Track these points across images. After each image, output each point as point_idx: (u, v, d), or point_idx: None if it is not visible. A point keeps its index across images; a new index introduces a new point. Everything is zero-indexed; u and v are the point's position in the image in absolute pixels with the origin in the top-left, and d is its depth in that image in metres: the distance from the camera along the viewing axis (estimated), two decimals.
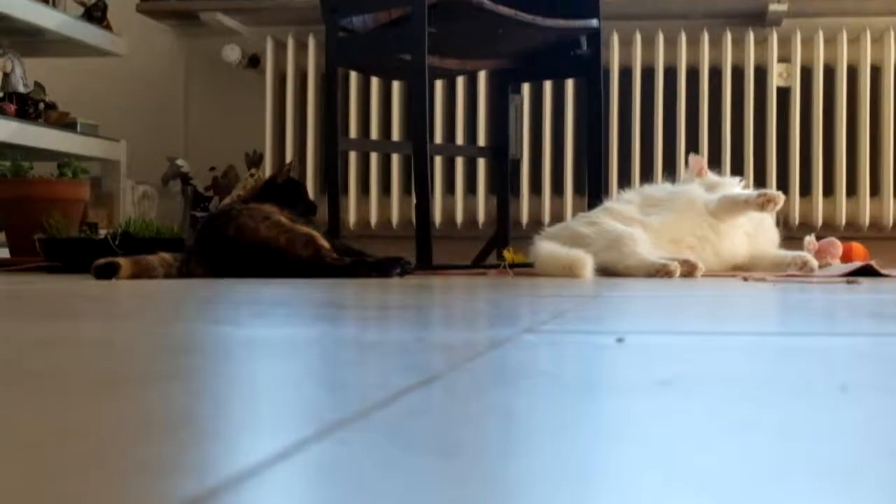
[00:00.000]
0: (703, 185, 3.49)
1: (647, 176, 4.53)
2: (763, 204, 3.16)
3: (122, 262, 2.58)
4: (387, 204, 4.68)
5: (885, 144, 4.49)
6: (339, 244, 3.32)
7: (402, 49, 3.52)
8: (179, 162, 4.72)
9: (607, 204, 3.32)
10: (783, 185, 4.49)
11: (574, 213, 4.45)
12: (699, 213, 3.23)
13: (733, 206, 3.22)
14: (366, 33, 3.76)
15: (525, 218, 4.60)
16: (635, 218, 3.19)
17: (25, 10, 4.07)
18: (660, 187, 3.41)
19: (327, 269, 2.74)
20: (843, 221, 4.49)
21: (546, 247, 3.05)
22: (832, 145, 4.50)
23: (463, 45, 3.84)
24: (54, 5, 4.33)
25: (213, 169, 4.74)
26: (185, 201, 4.72)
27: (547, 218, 4.58)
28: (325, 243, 2.81)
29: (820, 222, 4.49)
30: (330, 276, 2.73)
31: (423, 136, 3.45)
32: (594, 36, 3.84)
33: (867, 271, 3.07)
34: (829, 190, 4.51)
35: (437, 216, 4.64)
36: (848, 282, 2.34)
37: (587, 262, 2.90)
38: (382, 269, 2.77)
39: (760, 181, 4.48)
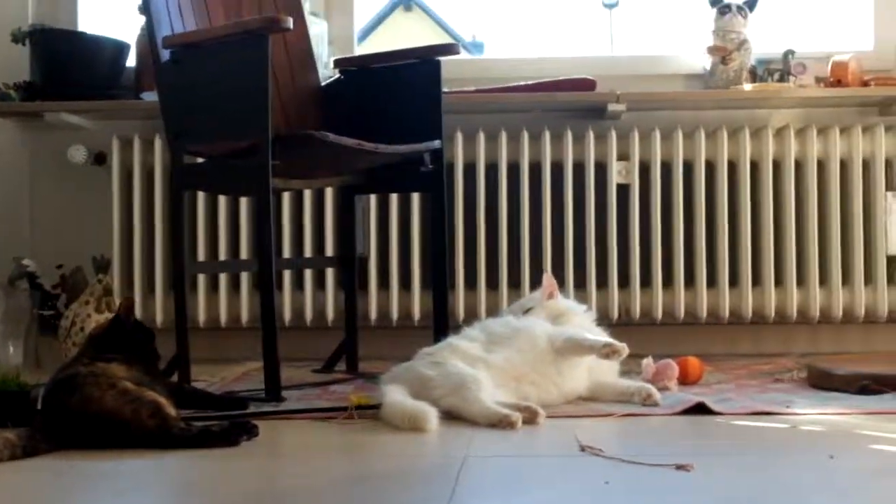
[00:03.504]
0: (550, 310, 3.56)
1: (491, 268, 4.60)
2: (608, 354, 3.23)
3: None
4: (236, 300, 4.67)
5: (719, 237, 4.60)
6: (188, 390, 3.33)
7: (248, 178, 3.51)
8: (26, 261, 4.65)
9: (452, 341, 3.35)
10: (624, 277, 4.60)
11: (421, 307, 4.54)
12: (541, 350, 3.29)
13: (578, 349, 3.29)
14: (211, 161, 3.76)
15: (374, 313, 4.63)
16: (479, 357, 3.23)
17: None
18: (503, 322, 3.46)
19: (174, 440, 2.74)
20: (682, 312, 4.59)
21: (392, 395, 3.08)
22: (670, 237, 4.60)
23: (308, 170, 3.86)
24: None
25: (60, 266, 4.69)
26: (33, 301, 4.65)
27: (395, 313, 4.62)
28: (171, 411, 2.80)
29: (660, 313, 4.58)
30: (176, 447, 2.72)
31: (268, 268, 3.46)
32: (437, 154, 3.89)
33: (701, 408, 3.16)
34: (667, 281, 4.61)
35: (287, 312, 4.65)
36: (677, 467, 2.41)
37: (430, 418, 2.94)
38: (230, 438, 2.77)
39: (602, 274, 4.58)
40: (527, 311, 3.59)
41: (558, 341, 3.31)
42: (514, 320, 3.47)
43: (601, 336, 3.43)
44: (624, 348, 3.25)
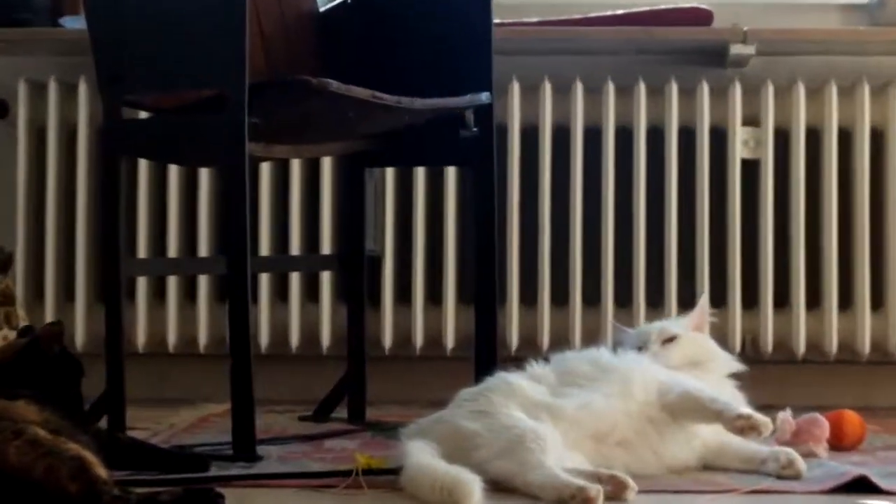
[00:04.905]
0: (693, 347, 3.57)
1: (558, 275, 4.59)
2: (742, 428, 3.18)
3: None
4: (191, 314, 4.69)
5: (890, 233, 4.59)
6: (124, 443, 3.34)
7: (213, 141, 3.52)
8: None
9: (507, 379, 3.32)
10: (750, 292, 4.58)
11: (457, 330, 4.54)
12: (641, 401, 3.26)
13: (698, 412, 3.23)
14: (160, 117, 3.77)
15: (389, 337, 4.65)
16: (544, 404, 3.21)
17: None
18: (591, 357, 3.43)
19: None
20: (835, 344, 4.57)
21: (417, 456, 3.06)
22: (818, 239, 4.59)
23: (299, 131, 3.86)
24: None
25: None
26: None
27: (420, 337, 4.62)
28: (100, 471, 2.77)
29: (802, 345, 4.57)
30: None
31: (241, 269, 3.46)
32: (485, 113, 3.89)
33: (862, 484, 3.15)
34: (814, 302, 4.60)
35: (264, 334, 4.65)
36: None
37: (473, 489, 2.91)
38: None
39: (719, 287, 4.56)
40: (668, 341, 3.57)
41: (671, 395, 3.27)
42: (606, 355, 3.44)
43: (733, 398, 3.41)
44: (767, 425, 3.21)
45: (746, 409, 3.20)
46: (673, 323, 3.73)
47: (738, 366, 3.60)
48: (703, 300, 3.73)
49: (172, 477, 3.15)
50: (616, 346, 3.62)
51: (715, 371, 3.55)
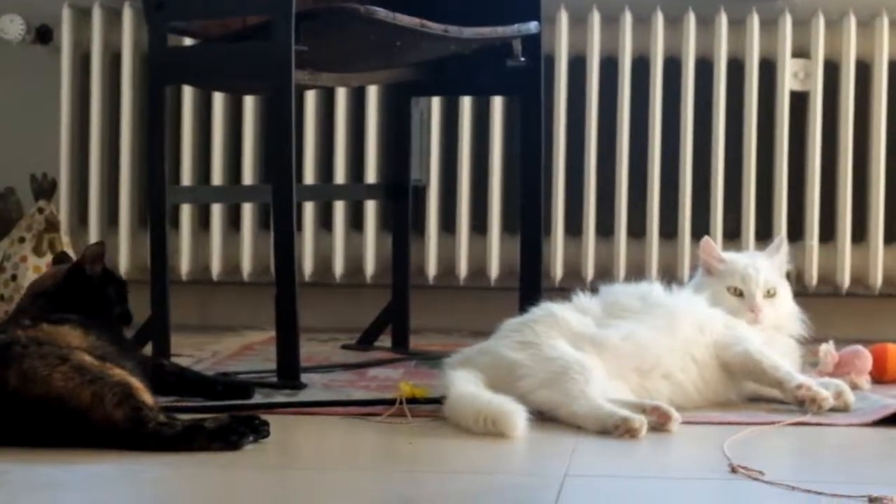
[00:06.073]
0: (781, 307, 3.52)
1: (605, 205, 4.60)
2: (801, 400, 3.19)
3: None
4: (235, 242, 4.72)
5: None
6: (169, 370, 3.37)
7: (259, 69, 3.55)
8: None
9: (552, 310, 3.33)
10: (795, 224, 4.59)
11: (502, 260, 4.56)
12: (683, 337, 3.26)
13: (758, 377, 3.27)
14: (207, 44, 3.78)
15: (433, 266, 4.66)
16: (588, 336, 3.22)
17: None
18: (640, 291, 3.41)
19: (149, 439, 2.76)
20: (880, 277, 4.58)
21: (461, 386, 3.09)
22: (866, 172, 4.60)
23: (345, 59, 3.88)
24: None
25: None
26: None
27: (464, 266, 4.65)
28: (146, 397, 2.82)
29: (847, 279, 4.58)
30: (153, 449, 2.75)
31: (287, 197, 3.49)
32: (533, 42, 3.90)
33: None
34: (859, 235, 4.61)
35: (308, 262, 4.68)
36: (871, 500, 2.42)
37: (516, 418, 2.94)
38: (229, 438, 2.79)
39: (764, 219, 4.57)
40: (769, 296, 3.51)
41: (731, 351, 3.28)
42: (658, 291, 3.43)
43: (788, 350, 3.42)
44: (826, 400, 3.21)
45: (806, 380, 3.21)
46: (767, 265, 3.56)
47: (804, 332, 3.55)
48: (785, 246, 3.64)
49: (217, 404, 3.20)
50: (705, 268, 3.56)
51: (784, 331, 3.53)
